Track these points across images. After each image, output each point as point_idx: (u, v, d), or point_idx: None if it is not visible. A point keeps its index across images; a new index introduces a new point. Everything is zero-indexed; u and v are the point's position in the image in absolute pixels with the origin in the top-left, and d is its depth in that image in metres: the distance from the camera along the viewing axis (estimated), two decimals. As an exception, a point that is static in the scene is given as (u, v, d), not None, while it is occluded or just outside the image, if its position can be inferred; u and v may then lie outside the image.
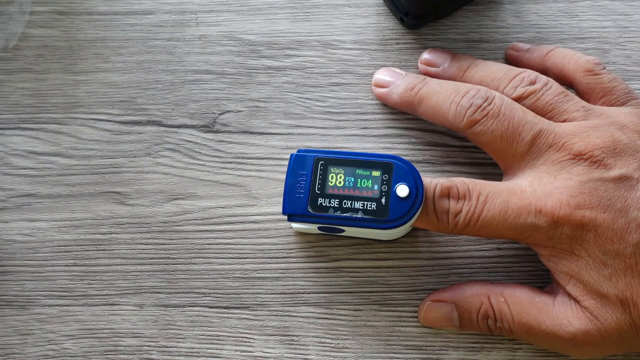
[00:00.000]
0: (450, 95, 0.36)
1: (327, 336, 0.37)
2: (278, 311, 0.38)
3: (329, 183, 0.34)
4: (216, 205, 0.39)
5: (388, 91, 0.39)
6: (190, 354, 0.37)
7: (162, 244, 0.39)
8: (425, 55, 0.40)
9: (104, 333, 0.38)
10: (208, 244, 0.39)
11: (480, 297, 0.35)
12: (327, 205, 0.33)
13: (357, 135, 0.40)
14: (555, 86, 0.36)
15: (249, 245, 0.39)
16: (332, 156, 0.34)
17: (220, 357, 0.37)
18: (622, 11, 0.42)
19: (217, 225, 0.39)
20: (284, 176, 0.39)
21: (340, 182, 0.34)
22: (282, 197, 0.35)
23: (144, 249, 0.39)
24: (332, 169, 0.34)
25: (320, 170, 0.34)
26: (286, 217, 0.34)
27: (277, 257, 0.38)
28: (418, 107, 0.37)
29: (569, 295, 0.33)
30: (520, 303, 0.34)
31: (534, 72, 0.36)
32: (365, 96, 0.41)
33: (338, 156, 0.34)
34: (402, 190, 0.33)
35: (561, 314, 0.33)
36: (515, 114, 0.34)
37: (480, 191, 0.33)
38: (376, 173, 0.33)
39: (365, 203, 0.33)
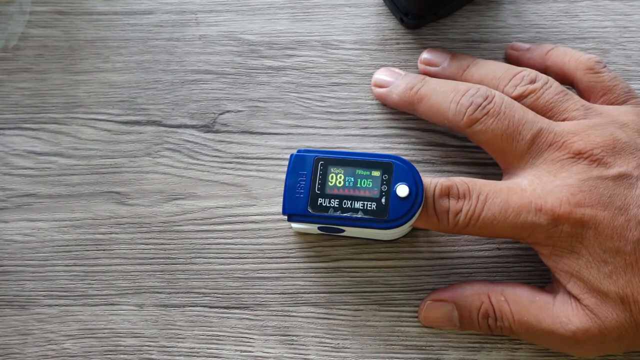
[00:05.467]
0: (450, 94, 0.36)
1: (327, 336, 0.37)
2: (278, 311, 0.38)
3: (329, 183, 0.34)
4: (216, 205, 0.39)
5: (387, 91, 0.39)
6: (190, 354, 0.37)
7: (162, 244, 0.39)
8: (425, 55, 0.40)
9: (104, 333, 0.38)
10: (208, 244, 0.39)
11: (481, 296, 0.35)
12: (327, 205, 0.33)
13: (357, 135, 0.40)
14: (555, 85, 0.36)
15: (249, 245, 0.39)
16: (332, 156, 0.34)
17: (220, 357, 0.37)
18: (622, 11, 0.42)
19: (217, 225, 0.39)
20: (284, 176, 0.39)
21: (340, 182, 0.34)
22: (282, 197, 0.35)
23: (144, 249, 0.39)
24: (332, 169, 0.34)
25: (320, 170, 0.34)
26: (286, 217, 0.34)
27: (277, 257, 0.38)
28: (418, 106, 0.37)
29: (569, 294, 0.33)
30: (521, 302, 0.34)
31: (534, 70, 0.36)
32: (365, 96, 0.41)
33: (338, 156, 0.34)
34: (402, 190, 0.33)
35: (561, 312, 0.33)
36: (515, 112, 0.34)
37: (480, 190, 0.33)
38: (376, 173, 0.33)
39: (365, 203, 0.33)
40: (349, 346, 0.37)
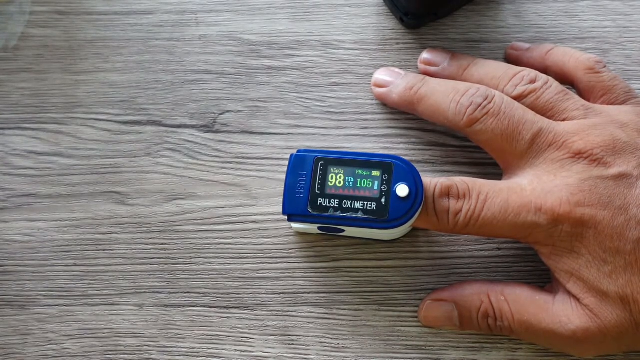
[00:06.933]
0: (450, 94, 0.36)
1: (327, 336, 0.37)
2: (278, 311, 0.38)
3: (329, 183, 0.34)
4: (216, 205, 0.39)
5: (387, 91, 0.39)
6: (190, 354, 0.37)
7: (162, 244, 0.39)
8: (425, 55, 0.40)
9: (104, 333, 0.38)
10: (208, 244, 0.39)
11: (481, 296, 0.35)
12: (327, 205, 0.33)
13: (357, 135, 0.40)
14: (555, 85, 0.36)
15: (249, 245, 0.39)
16: (332, 156, 0.34)
17: (220, 357, 0.37)
18: (622, 11, 0.42)
19: (217, 225, 0.39)
20: (284, 176, 0.39)
21: (340, 182, 0.34)
22: (282, 197, 0.35)
23: (144, 249, 0.39)
24: (332, 169, 0.34)
25: (320, 170, 0.34)
26: (286, 217, 0.34)
27: (277, 257, 0.38)
28: (418, 106, 0.37)
29: (569, 294, 0.33)
30: (521, 301, 0.34)
31: (534, 70, 0.37)
32: (365, 96, 0.41)
33: (338, 156, 0.34)
34: (402, 190, 0.33)
35: (561, 312, 0.33)
36: (515, 112, 0.34)
37: (480, 190, 0.33)
38: (376, 173, 0.33)
39: (365, 203, 0.33)
40: (349, 346, 0.37)
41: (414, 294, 0.38)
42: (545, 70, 0.38)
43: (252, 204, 0.39)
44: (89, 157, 0.40)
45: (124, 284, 0.38)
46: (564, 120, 0.35)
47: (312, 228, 0.37)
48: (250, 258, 0.38)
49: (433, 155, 0.40)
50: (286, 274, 0.38)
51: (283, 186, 0.35)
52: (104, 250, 0.39)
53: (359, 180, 0.33)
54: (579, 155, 0.33)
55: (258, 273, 0.38)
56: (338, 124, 0.40)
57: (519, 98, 0.36)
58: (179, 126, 0.40)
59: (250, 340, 0.37)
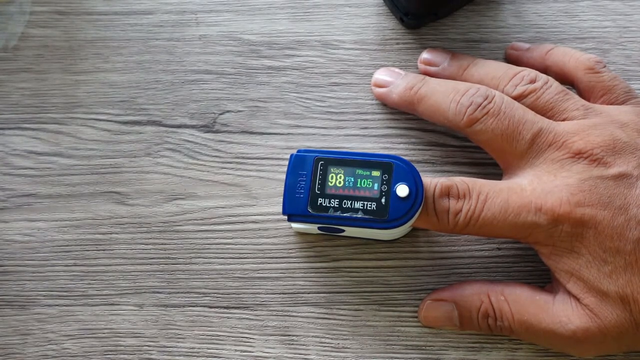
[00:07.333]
0: (450, 94, 0.36)
1: (327, 336, 0.37)
2: (278, 311, 0.38)
3: (329, 183, 0.34)
4: (216, 205, 0.39)
5: (387, 91, 0.39)
6: (190, 354, 0.37)
7: (162, 244, 0.39)
8: (425, 55, 0.40)
9: (104, 333, 0.38)
10: (208, 244, 0.39)
11: (481, 296, 0.35)
12: (327, 205, 0.33)
13: (357, 135, 0.40)
14: (555, 85, 0.36)
15: (249, 245, 0.39)
16: (332, 156, 0.34)
17: (220, 357, 0.37)
18: (622, 11, 0.42)
19: (217, 225, 0.39)
20: (284, 176, 0.39)
21: (340, 182, 0.34)
22: (282, 197, 0.35)
23: (144, 249, 0.39)
24: (332, 169, 0.34)
25: (320, 170, 0.34)
26: (286, 217, 0.34)
27: (277, 257, 0.38)
28: (418, 106, 0.37)
29: (569, 294, 0.33)
30: (520, 301, 0.34)
31: (534, 70, 0.37)
32: (365, 96, 0.41)
33: (338, 156, 0.34)
34: (402, 190, 0.33)
35: (561, 312, 0.33)
36: (515, 112, 0.34)
37: (480, 190, 0.33)
38: (376, 173, 0.33)
39: (365, 203, 0.33)
40: (349, 346, 0.37)
41: (414, 294, 0.38)
42: (545, 70, 0.38)
43: (252, 204, 0.39)
44: (89, 157, 0.40)
45: (124, 284, 0.38)
46: (564, 120, 0.35)
47: (312, 228, 0.37)
48: (250, 258, 0.38)
49: (433, 155, 0.40)
50: (286, 274, 0.38)
51: (283, 186, 0.35)
52: (104, 250, 0.39)
53: (359, 180, 0.33)
54: (579, 155, 0.33)
55: (258, 273, 0.38)
56: (338, 124, 0.40)
57: (519, 98, 0.36)
58: (179, 126, 0.40)
59: (250, 340, 0.37)
